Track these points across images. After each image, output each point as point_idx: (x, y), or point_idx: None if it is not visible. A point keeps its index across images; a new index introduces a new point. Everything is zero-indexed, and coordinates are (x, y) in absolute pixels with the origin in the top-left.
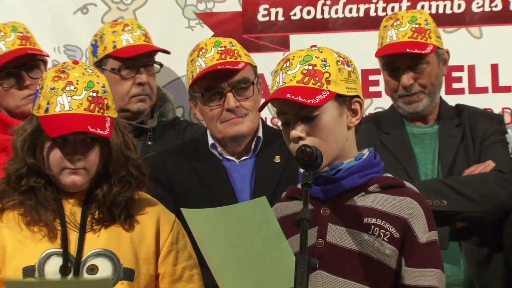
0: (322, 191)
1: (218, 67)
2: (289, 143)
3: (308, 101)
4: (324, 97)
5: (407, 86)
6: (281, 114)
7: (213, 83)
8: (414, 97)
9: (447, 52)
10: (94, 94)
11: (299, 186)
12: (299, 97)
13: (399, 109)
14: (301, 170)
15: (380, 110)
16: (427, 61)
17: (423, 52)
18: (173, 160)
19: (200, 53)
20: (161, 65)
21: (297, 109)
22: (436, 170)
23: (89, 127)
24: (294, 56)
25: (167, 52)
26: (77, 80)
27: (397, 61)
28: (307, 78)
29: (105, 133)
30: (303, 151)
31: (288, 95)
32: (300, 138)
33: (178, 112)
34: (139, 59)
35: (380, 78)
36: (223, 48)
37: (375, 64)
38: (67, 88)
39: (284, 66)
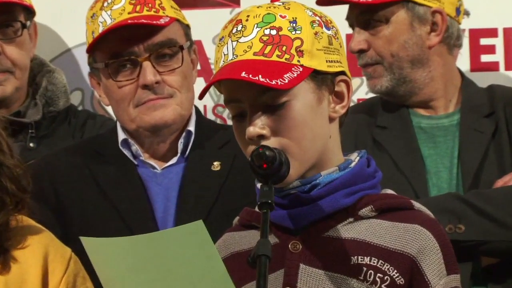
0: (291, 216)
1: (129, 21)
2: (244, 146)
3: (273, 82)
4: (295, 75)
5: (354, 51)
6: (232, 102)
7: (121, 46)
8: (369, 70)
9: (439, 12)
10: None
11: (257, 208)
12: (259, 76)
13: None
14: (259, 185)
15: (374, 95)
16: (385, 17)
17: (364, 0)
18: (65, 167)
19: (105, 4)
20: (24, 25)
21: (255, 94)
22: (454, 181)
23: None
24: (248, 16)
25: (30, 8)
26: None
27: (350, 14)
28: (269, 47)
29: None
30: (260, 155)
31: (243, 74)
32: (262, 137)
33: (74, 99)
34: None
35: None
36: None
37: None
38: None
39: (234, 30)
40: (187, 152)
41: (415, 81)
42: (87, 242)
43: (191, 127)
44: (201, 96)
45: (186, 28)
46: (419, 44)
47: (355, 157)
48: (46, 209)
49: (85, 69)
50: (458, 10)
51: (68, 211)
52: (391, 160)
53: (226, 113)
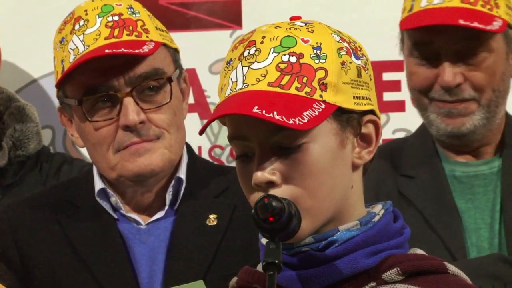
0: (302, 279)
1: (106, 50)
2: (249, 192)
3: (290, 121)
4: (316, 113)
5: (451, 86)
6: (237, 139)
7: (97, 79)
8: (459, 107)
9: None
10: None
11: (259, 267)
12: (275, 113)
13: (430, 128)
14: (263, 241)
15: (403, 134)
16: (490, 47)
17: (488, 28)
18: (31, 221)
19: (76, 27)
20: None
21: (267, 132)
22: (496, 240)
23: None
24: (264, 37)
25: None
26: None
27: (437, 40)
28: (287, 77)
29: None
30: (265, 206)
31: (256, 109)
32: (271, 184)
33: (43, 138)
34: None
35: (403, 77)
36: (116, 18)
37: (395, 52)
38: None
39: (246, 53)
40: (177, 204)
41: (495, 121)
42: None
43: (182, 174)
44: (201, 132)
45: (174, 53)
46: (509, 75)
47: (379, 210)
48: (8, 273)
49: (55, 102)
50: None
51: (35, 276)
52: (420, 216)
53: (224, 156)
